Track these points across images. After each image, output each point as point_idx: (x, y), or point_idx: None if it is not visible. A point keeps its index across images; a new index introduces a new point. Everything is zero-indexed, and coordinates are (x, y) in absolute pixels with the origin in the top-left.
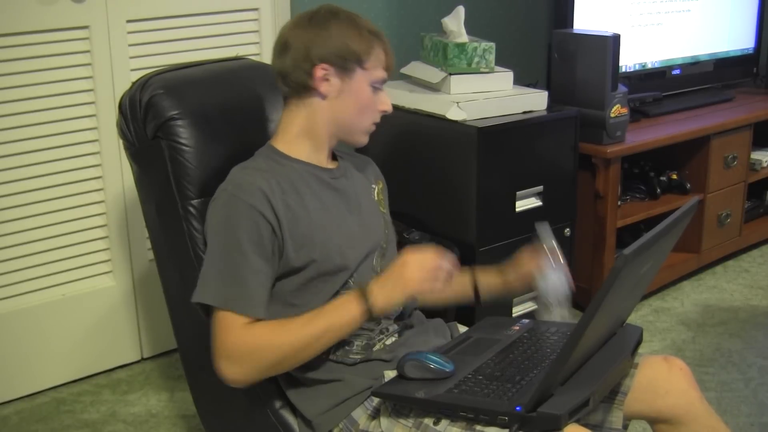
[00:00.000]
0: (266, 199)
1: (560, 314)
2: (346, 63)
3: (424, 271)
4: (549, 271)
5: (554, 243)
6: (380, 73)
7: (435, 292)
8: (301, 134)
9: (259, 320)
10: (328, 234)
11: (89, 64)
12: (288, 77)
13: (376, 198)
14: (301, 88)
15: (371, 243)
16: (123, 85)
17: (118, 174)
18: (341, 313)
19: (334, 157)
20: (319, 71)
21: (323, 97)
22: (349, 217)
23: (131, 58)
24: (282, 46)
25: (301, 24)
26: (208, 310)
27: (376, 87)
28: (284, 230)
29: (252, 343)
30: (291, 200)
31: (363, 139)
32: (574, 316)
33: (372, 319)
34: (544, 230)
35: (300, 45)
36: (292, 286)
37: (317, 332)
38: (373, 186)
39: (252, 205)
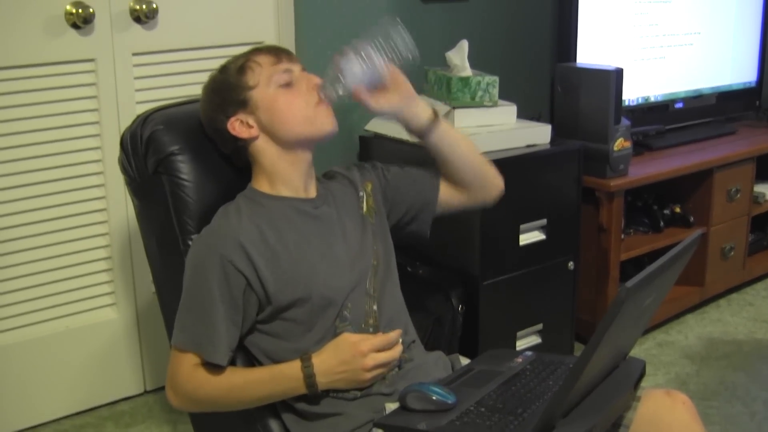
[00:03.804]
0: (241, 248)
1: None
2: (238, 100)
3: (378, 366)
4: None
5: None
6: (272, 71)
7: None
8: (269, 175)
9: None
10: (311, 269)
11: (95, 97)
12: (230, 155)
13: (364, 209)
14: (241, 150)
15: (361, 266)
16: (128, 118)
17: (123, 206)
18: (284, 388)
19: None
20: (233, 128)
21: (256, 137)
22: (334, 245)
23: (137, 90)
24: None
25: (200, 108)
26: None
27: (287, 83)
28: (263, 274)
29: (196, 386)
30: (271, 239)
31: (324, 126)
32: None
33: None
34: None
35: (207, 127)
36: (284, 324)
37: (256, 398)
38: (361, 194)
39: (223, 254)
